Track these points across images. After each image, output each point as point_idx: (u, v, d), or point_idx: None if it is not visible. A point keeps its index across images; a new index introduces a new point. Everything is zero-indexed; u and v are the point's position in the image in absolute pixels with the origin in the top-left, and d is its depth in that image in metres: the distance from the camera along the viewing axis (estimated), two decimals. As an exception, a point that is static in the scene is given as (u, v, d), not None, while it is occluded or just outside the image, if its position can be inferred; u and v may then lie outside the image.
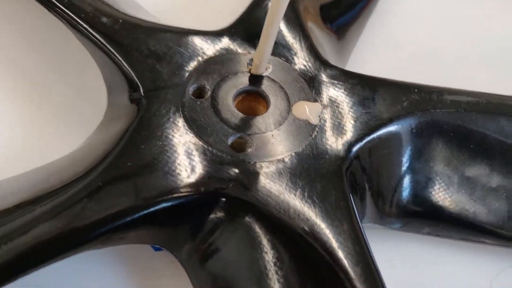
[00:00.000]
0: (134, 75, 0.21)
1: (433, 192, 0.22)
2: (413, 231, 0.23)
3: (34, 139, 0.25)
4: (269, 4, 0.19)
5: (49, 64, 0.27)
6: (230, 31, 0.23)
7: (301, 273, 0.18)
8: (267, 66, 0.22)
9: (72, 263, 0.21)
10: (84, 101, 0.26)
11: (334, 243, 0.17)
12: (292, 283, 0.18)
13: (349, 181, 0.20)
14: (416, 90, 0.22)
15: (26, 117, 0.26)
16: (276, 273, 0.18)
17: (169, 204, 0.18)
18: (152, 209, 0.17)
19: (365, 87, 0.22)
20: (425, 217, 0.23)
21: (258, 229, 0.18)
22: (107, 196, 0.17)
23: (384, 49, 0.32)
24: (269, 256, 0.18)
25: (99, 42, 0.21)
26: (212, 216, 0.19)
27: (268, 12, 0.18)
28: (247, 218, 0.18)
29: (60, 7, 0.22)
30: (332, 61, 0.24)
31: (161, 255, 0.21)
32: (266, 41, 0.19)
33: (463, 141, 0.23)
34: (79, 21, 0.22)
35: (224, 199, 0.18)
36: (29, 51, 0.27)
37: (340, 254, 0.17)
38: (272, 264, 0.18)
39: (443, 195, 0.22)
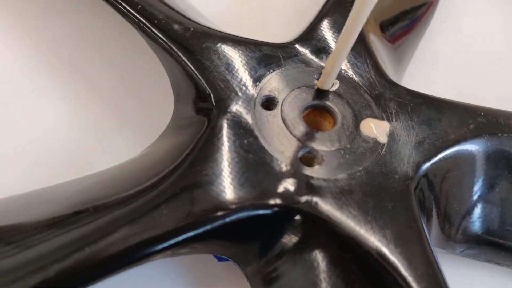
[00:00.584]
0: (205, 84, 0.21)
1: (498, 220, 0.22)
2: (473, 257, 0.23)
3: (91, 142, 0.25)
4: (346, 22, 0.19)
5: (115, 70, 0.27)
6: (298, 44, 0.23)
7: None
8: (334, 82, 0.22)
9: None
10: (147, 109, 0.26)
11: (407, 265, 0.17)
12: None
13: (418, 202, 0.19)
14: (482, 113, 0.22)
15: (86, 120, 0.26)
16: None
17: (242, 215, 0.18)
18: (226, 220, 0.17)
19: (430, 108, 0.22)
20: (488, 244, 0.22)
21: (326, 251, 0.18)
22: (184, 204, 0.17)
23: (433, 66, 0.32)
24: (336, 280, 0.18)
25: (170, 49, 0.22)
26: (282, 236, 0.19)
27: (344, 30, 0.18)
28: (316, 239, 0.18)
29: (133, 14, 0.22)
30: (391, 74, 0.24)
31: (222, 266, 0.21)
32: (338, 57, 0.19)
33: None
34: (152, 27, 0.22)
35: (298, 216, 0.18)
36: (97, 57, 0.28)
37: (412, 277, 0.17)
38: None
39: (508, 223, 0.22)
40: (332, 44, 0.23)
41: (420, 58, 0.31)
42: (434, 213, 0.21)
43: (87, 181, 0.19)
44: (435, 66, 0.32)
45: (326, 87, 0.22)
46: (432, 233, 0.21)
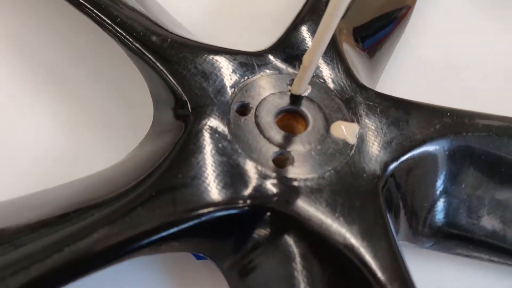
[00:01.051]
0: (182, 92, 0.22)
1: (464, 214, 0.23)
2: (443, 250, 0.24)
3: (75, 149, 0.26)
4: (318, 28, 0.20)
5: (96, 78, 0.28)
6: (272, 52, 0.24)
7: None
8: (307, 87, 0.23)
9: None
10: (126, 116, 0.27)
11: (373, 259, 0.18)
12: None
13: (385, 199, 0.20)
14: (448, 114, 0.23)
15: (70, 126, 0.27)
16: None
17: (217, 215, 0.19)
18: (202, 219, 0.18)
19: (399, 109, 0.23)
20: (456, 238, 0.23)
21: (297, 246, 0.19)
22: (159, 205, 0.18)
23: (411, 68, 0.33)
24: (307, 272, 0.19)
25: (149, 60, 0.23)
26: (255, 233, 0.20)
27: (315, 38, 0.19)
28: (287, 235, 0.19)
29: (113, 26, 0.23)
30: (365, 81, 0.25)
31: (201, 265, 0.22)
32: (311, 62, 0.20)
33: (494, 164, 0.23)
34: (131, 39, 0.23)
35: (269, 213, 0.19)
36: (81, 65, 0.29)
37: (378, 270, 0.18)
38: (310, 280, 0.19)
39: (474, 217, 0.23)
40: (303, 51, 0.24)
41: (396, 61, 0.32)
42: (401, 210, 0.22)
43: (69, 187, 0.20)
44: (410, 68, 0.33)
45: (298, 92, 0.23)
46: (401, 229, 0.22)
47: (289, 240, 0.19)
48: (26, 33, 0.29)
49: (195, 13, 0.33)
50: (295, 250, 0.19)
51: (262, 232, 0.20)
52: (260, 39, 0.26)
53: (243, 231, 0.20)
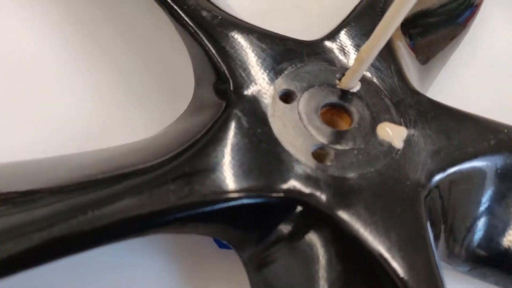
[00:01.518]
0: (226, 71, 0.21)
1: (507, 240, 0.21)
2: (480, 277, 0.22)
3: (113, 118, 0.26)
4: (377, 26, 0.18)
5: (140, 51, 0.28)
6: (323, 43, 0.23)
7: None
8: (356, 83, 0.22)
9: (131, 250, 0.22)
10: (167, 90, 0.26)
11: (408, 272, 0.17)
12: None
13: (428, 210, 0.19)
14: (505, 131, 0.22)
15: (108, 99, 0.26)
16: None
17: (247, 202, 0.18)
18: (231, 204, 0.17)
19: (451, 118, 0.22)
20: (494, 264, 0.22)
21: (326, 247, 0.18)
22: (190, 183, 0.17)
23: (467, 78, 0.31)
24: (333, 278, 0.18)
25: (197, 34, 0.22)
26: (282, 226, 0.19)
27: (377, 29, 0.18)
28: (317, 234, 0.18)
29: (164, -4, 0.23)
30: (416, 85, 0.24)
31: (220, 255, 0.22)
32: (368, 56, 0.19)
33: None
34: (180, 12, 0.22)
35: (300, 208, 0.18)
36: (122, 37, 0.28)
37: (412, 282, 0.17)
38: (332, 283, 0.18)
39: None
40: (357, 47, 0.23)
41: (451, 70, 0.31)
42: (442, 227, 0.20)
43: (101, 154, 0.20)
44: (465, 79, 0.31)
45: (347, 87, 0.22)
46: (439, 247, 0.21)
47: (318, 239, 0.18)
48: (71, 5, 0.29)
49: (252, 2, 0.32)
50: (323, 251, 0.18)
51: (289, 226, 0.19)
52: (316, 29, 0.25)
53: (270, 222, 0.18)
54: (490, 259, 0.22)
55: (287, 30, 0.24)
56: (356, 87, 0.22)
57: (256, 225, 0.19)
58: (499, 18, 0.35)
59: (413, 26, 0.27)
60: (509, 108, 0.31)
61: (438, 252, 0.21)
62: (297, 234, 0.19)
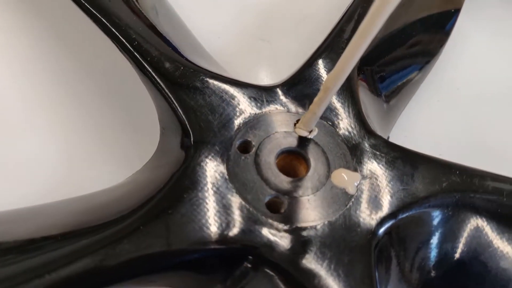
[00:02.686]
0: (187, 123, 0.22)
1: (455, 273, 0.22)
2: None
3: (79, 170, 0.27)
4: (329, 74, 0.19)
5: (108, 100, 0.29)
6: (283, 88, 0.24)
7: None
8: (313, 129, 0.23)
9: None
10: (131, 140, 0.27)
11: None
12: None
13: (376, 256, 0.20)
14: (457, 172, 0.22)
15: (75, 148, 0.27)
16: None
17: (200, 255, 0.19)
18: (184, 258, 0.18)
19: (406, 162, 0.23)
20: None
21: (281, 286, 0.19)
22: (144, 239, 0.18)
23: (433, 103, 0.32)
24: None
25: (159, 86, 0.23)
26: (242, 266, 0.20)
27: (326, 82, 0.19)
28: (272, 276, 0.19)
29: (129, 48, 0.24)
30: (377, 126, 0.24)
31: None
32: (320, 104, 0.20)
33: (501, 228, 0.22)
34: (144, 63, 0.23)
35: (251, 257, 0.19)
36: (91, 86, 0.29)
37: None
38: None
39: (472, 282, 0.22)
40: (314, 92, 0.24)
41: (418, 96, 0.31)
42: (393, 266, 0.21)
43: (60, 207, 0.21)
44: (432, 104, 0.32)
45: (304, 134, 0.23)
46: (392, 280, 0.21)
47: (275, 283, 0.19)
48: (41, 40, 0.30)
49: (222, 36, 0.33)
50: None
51: (249, 267, 0.19)
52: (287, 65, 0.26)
53: (230, 266, 0.19)
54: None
55: (255, 64, 0.25)
56: (312, 133, 0.23)
57: (216, 271, 0.20)
58: (466, 42, 0.36)
59: (374, 64, 0.28)
60: (475, 130, 0.32)
61: (391, 284, 0.22)
62: (257, 276, 0.19)
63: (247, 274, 0.19)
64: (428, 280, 0.22)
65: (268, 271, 0.19)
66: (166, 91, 0.23)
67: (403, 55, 0.30)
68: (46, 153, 0.27)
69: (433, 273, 0.22)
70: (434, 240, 0.22)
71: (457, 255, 0.22)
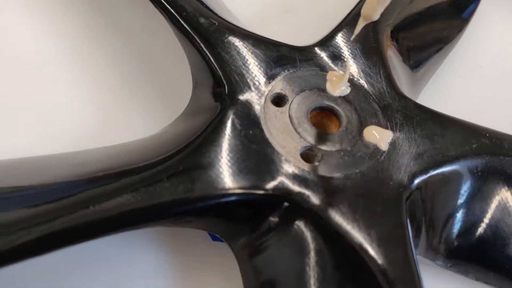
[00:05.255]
0: (221, 76, 0.22)
1: (491, 240, 0.22)
2: (462, 273, 0.23)
3: (112, 122, 0.27)
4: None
5: (143, 56, 0.29)
6: (316, 49, 0.24)
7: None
8: (345, 87, 0.23)
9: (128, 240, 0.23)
10: (168, 93, 0.28)
11: (386, 264, 0.18)
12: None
13: (408, 211, 0.20)
14: (487, 135, 0.23)
15: (109, 101, 0.28)
16: (318, 280, 0.19)
17: (237, 198, 0.19)
18: (221, 200, 0.19)
19: (436, 123, 0.23)
20: (472, 259, 0.23)
21: (310, 236, 0.19)
22: (184, 181, 0.19)
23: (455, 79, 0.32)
24: (319, 268, 0.19)
25: (194, 40, 0.23)
26: (270, 220, 0.20)
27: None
28: (304, 228, 0.19)
29: (164, 4, 0.24)
30: (406, 91, 0.25)
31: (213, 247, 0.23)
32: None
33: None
34: (180, 19, 0.24)
35: (287, 204, 0.19)
36: (127, 42, 0.30)
37: (391, 276, 0.18)
38: (321, 276, 0.19)
39: (500, 244, 0.22)
40: (348, 53, 0.24)
41: (439, 71, 0.31)
42: (422, 225, 0.21)
43: (103, 152, 0.21)
44: (453, 79, 0.32)
45: (336, 91, 0.23)
46: (421, 245, 0.22)
47: (303, 233, 0.19)
48: (78, 13, 0.30)
49: (248, 7, 0.33)
50: (310, 244, 0.19)
51: (277, 220, 0.20)
52: (308, 35, 0.26)
53: (259, 217, 0.20)
54: (467, 253, 0.23)
55: (281, 34, 0.25)
56: (345, 91, 0.23)
57: (246, 219, 0.20)
58: (489, 19, 0.36)
59: (404, 33, 0.28)
60: (496, 109, 0.32)
61: (420, 249, 0.22)
62: (284, 228, 0.20)
63: (272, 230, 0.20)
64: (455, 246, 0.22)
65: (297, 223, 0.19)
66: (202, 45, 0.23)
67: (431, 29, 0.30)
68: (80, 108, 0.27)
69: (460, 238, 0.22)
70: (463, 200, 0.22)
71: (484, 218, 0.23)
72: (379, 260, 0.18)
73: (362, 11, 0.22)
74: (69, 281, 0.22)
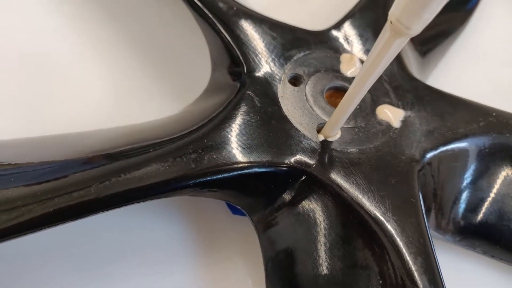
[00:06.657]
0: (240, 56, 0.23)
1: (495, 214, 0.23)
2: (470, 247, 0.24)
3: (134, 106, 0.28)
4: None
5: (162, 41, 0.30)
6: (330, 33, 0.25)
7: (358, 257, 0.20)
8: (357, 68, 0.24)
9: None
10: (186, 75, 0.29)
11: (400, 232, 0.19)
12: (346, 264, 0.19)
13: (420, 184, 0.21)
14: (494, 114, 0.24)
15: (130, 85, 0.29)
16: (330, 249, 0.20)
17: (258, 170, 0.20)
18: (243, 172, 0.20)
19: (446, 102, 0.24)
20: (479, 234, 0.24)
21: (326, 208, 0.20)
22: (209, 153, 0.20)
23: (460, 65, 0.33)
24: (331, 239, 0.20)
25: (214, 24, 0.24)
26: (288, 192, 0.21)
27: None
28: (318, 200, 0.20)
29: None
30: (415, 73, 0.26)
31: (232, 220, 0.24)
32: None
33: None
34: (199, 4, 0.25)
35: (305, 177, 0.20)
36: (145, 27, 0.31)
37: (404, 242, 0.19)
38: (332, 247, 0.20)
39: (506, 219, 0.23)
40: (361, 36, 0.25)
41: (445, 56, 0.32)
42: (432, 201, 0.22)
43: (131, 128, 0.22)
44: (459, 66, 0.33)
45: (350, 72, 0.24)
46: (430, 220, 0.23)
47: (319, 204, 0.20)
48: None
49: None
50: (323, 215, 0.20)
51: (294, 193, 0.21)
52: (318, 23, 0.27)
53: (277, 189, 0.21)
54: (475, 228, 0.24)
55: (294, 23, 0.26)
56: (357, 72, 0.24)
57: (265, 191, 0.21)
58: (494, 7, 0.37)
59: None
60: (499, 95, 0.33)
61: (429, 224, 0.23)
62: (301, 199, 0.21)
63: (287, 204, 0.21)
64: (464, 223, 0.23)
65: (314, 195, 0.21)
66: (220, 28, 0.24)
67: (438, 17, 0.31)
68: (97, 90, 0.28)
69: (468, 213, 0.23)
70: (471, 177, 0.23)
71: (491, 193, 0.24)
72: (393, 229, 0.19)
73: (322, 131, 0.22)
74: (95, 253, 0.23)
